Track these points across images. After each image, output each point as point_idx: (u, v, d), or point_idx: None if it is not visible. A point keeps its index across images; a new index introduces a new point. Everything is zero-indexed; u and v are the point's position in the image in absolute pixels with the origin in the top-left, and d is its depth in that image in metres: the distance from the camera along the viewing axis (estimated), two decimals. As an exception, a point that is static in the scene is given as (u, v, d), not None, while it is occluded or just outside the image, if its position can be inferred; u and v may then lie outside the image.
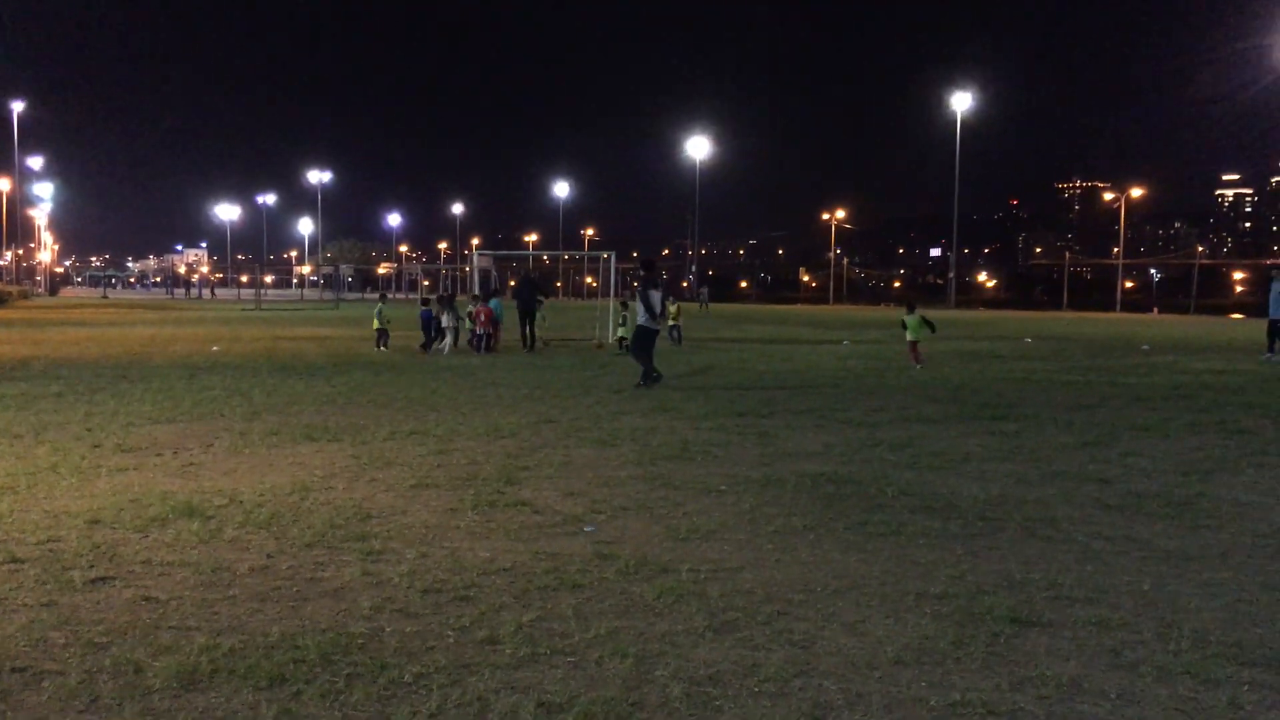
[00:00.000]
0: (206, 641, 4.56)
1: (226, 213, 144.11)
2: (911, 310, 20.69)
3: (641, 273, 16.93)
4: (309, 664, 4.33)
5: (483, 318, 22.57)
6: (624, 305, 24.73)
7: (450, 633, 4.73)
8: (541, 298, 24.83)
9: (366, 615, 4.95)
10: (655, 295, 15.65)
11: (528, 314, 23.77)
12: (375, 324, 23.77)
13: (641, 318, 15.70)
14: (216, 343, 24.84)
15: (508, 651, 4.50)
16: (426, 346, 22.94)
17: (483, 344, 22.35)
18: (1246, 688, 4.19)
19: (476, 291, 28.33)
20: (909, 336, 20.06)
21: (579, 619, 4.92)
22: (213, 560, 5.84)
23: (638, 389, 14.92)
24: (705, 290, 68.26)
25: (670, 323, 24.65)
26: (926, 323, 19.77)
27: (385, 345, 23.13)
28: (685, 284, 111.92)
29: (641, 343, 15.66)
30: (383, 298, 26.24)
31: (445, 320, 22.67)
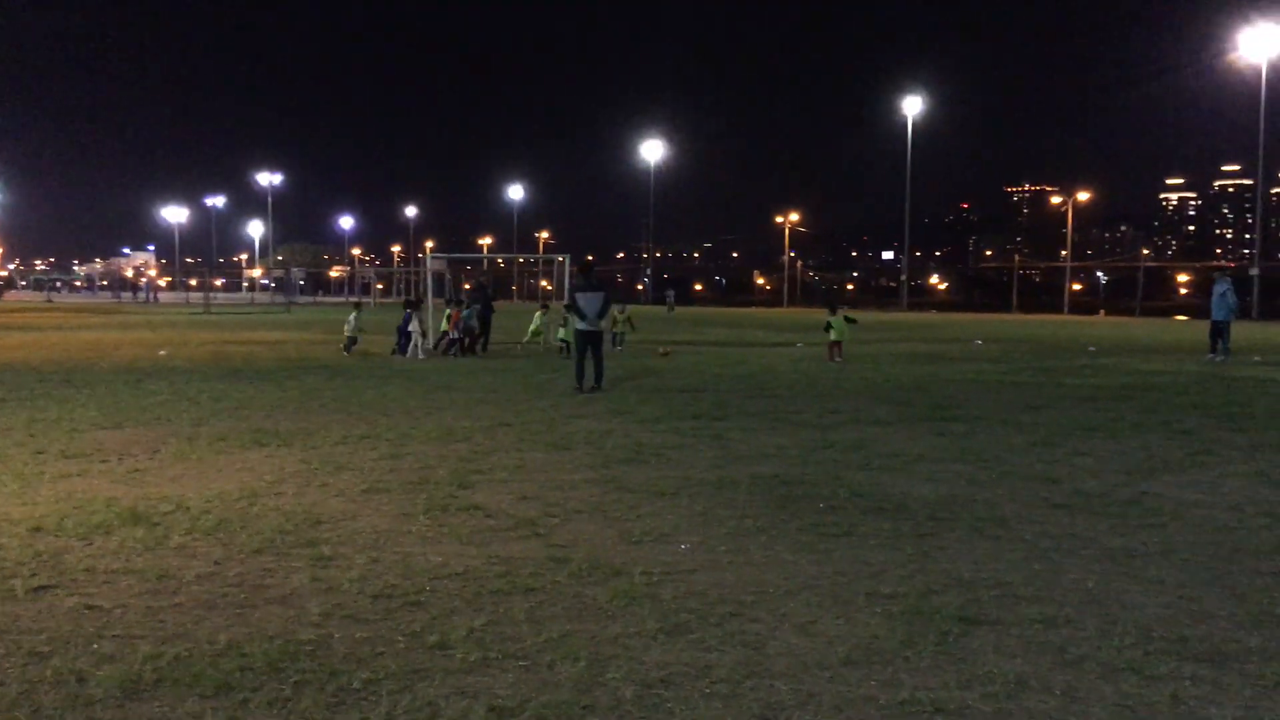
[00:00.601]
0: (151, 650, 4.49)
1: (174, 215, 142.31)
2: (834, 311, 22.16)
3: (577, 278, 16.61)
4: (256, 672, 4.28)
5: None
6: (566, 308, 24.51)
7: (401, 638, 4.70)
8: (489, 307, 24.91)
9: (315, 622, 4.90)
10: (582, 298, 15.34)
11: (484, 320, 24.13)
12: (347, 331, 23.48)
13: (578, 321, 15.52)
14: (164, 347, 24.48)
15: (459, 656, 4.48)
16: (402, 350, 22.69)
17: (454, 348, 22.32)
18: (1188, 682, 4.26)
19: (460, 296, 28.58)
20: (833, 337, 21.45)
21: (531, 623, 4.91)
22: (158, 567, 5.75)
23: (591, 392, 14.90)
24: (671, 294, 70.24)
25: (614, 329, 24.26)
26: (849, 320, 21.87)
27: (350, 351, 22.86)
28: (640, 287, 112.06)
29: (576, 345, 15.53)
30: (358, 305, 25.75)
31: (412, 325, 22.36)
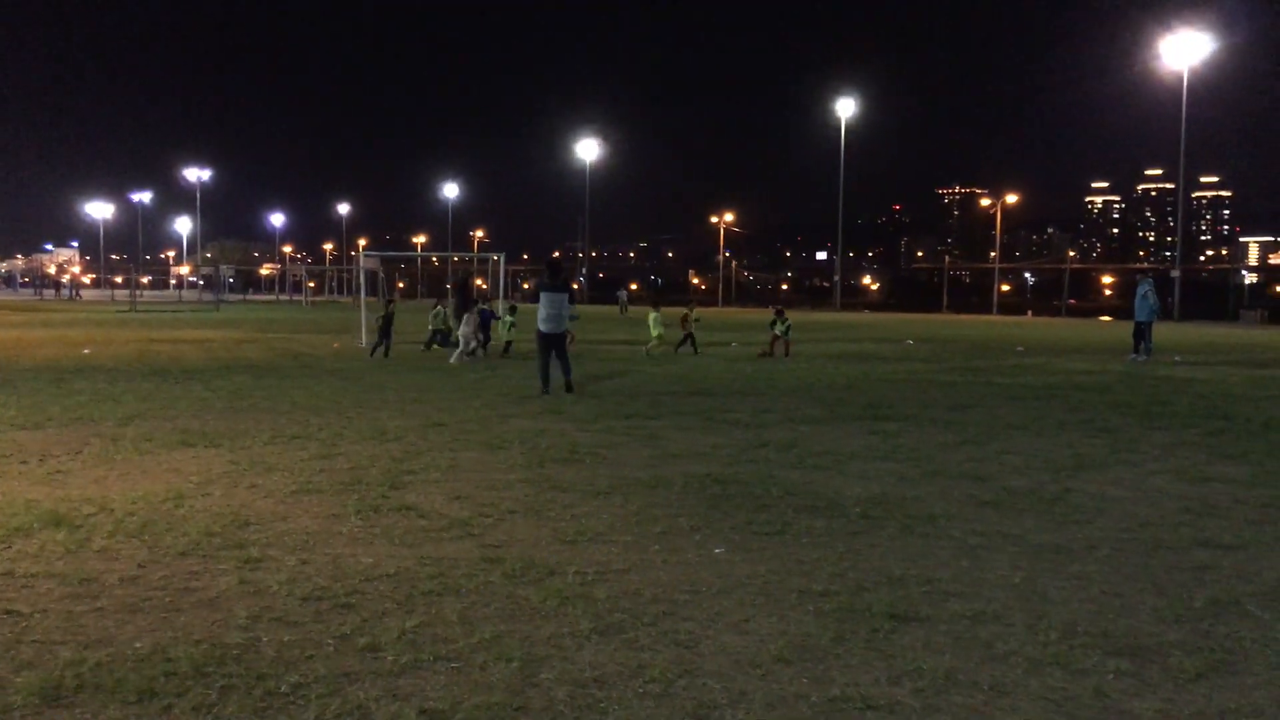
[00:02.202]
0: (72, 655, 4.39)
1: (99, 211, 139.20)
2: (781, 315, 23.64)
3: (543, 275, 15.65)
4: (181, 676, 4.19)
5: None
6: (512, 309, 24.29)
7: (330, 641, 4.63)
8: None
9: (243, 625, 4.81)
10: (545, 298, 14.84)
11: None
12: (432, 326, 23.81)
13: (540, 323, 14.81)
14: (88, 346, 23.94)
15: (390, 659, 4.43)
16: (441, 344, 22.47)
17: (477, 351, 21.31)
18: (1112, 676, 4.35)
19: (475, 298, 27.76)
20: (776, 331, 23.01)
21: (464, 624, 4.87)
22: (80, 571, 5.62)
23: (566, 394, 14.34)
24: (624, 294, 71.42)
25: (656, 333, 23.53)
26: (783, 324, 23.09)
27: (430, 348, 23.05)
28: (576, 285, 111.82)
29: (538, 347, 14.90)
30: (438, 303, 25.28)
31: (463, 327, 21.06)
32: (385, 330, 21.86)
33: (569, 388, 14.60)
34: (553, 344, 14.84)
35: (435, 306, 24.83)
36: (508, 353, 22.22)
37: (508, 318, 23.22)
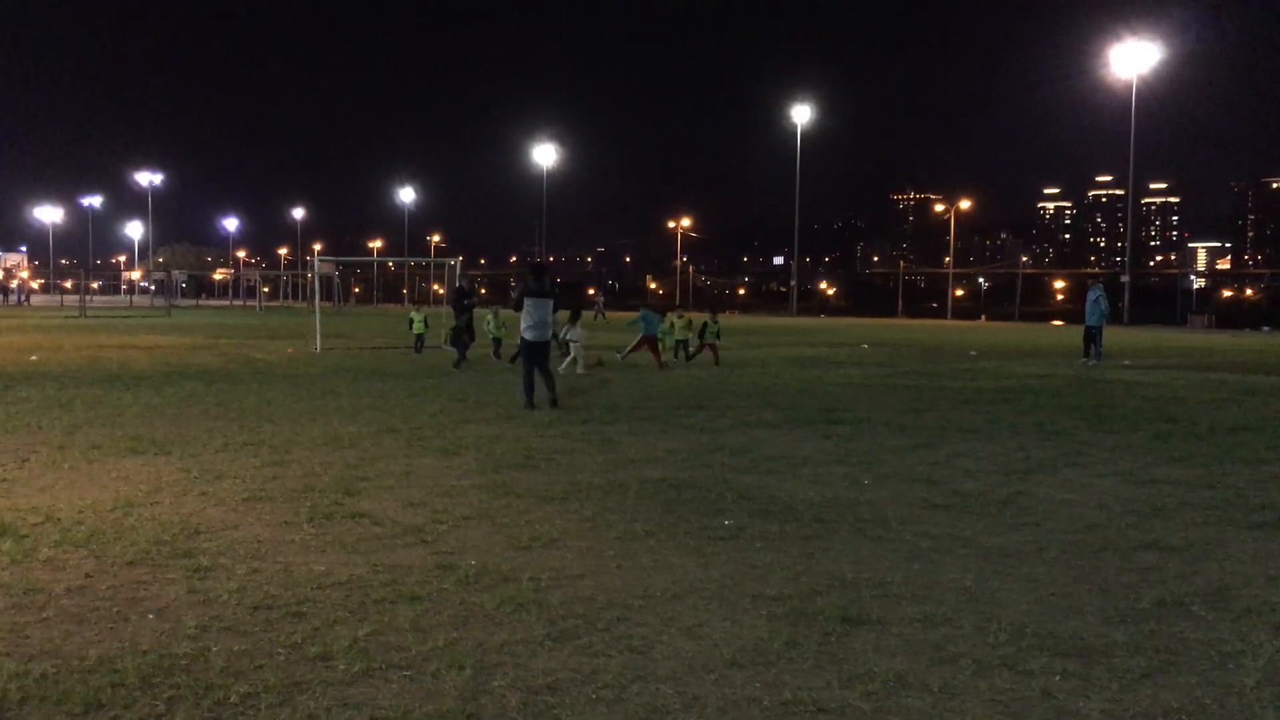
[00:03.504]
0: (17, 668, 4.31)
1: (48, 215, 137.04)
2: (714, 315, 23.31)
3: (528, 280, 14.27)
4: (128, 688, 4.14)
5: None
6: (495, 313, 23.13)
7: (281, 650, 4.59)
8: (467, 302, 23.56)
9: (192, 635, 4.76)
10: (530, 304, 13.71)
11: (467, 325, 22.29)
12: (489, 331, 22.40)
13: (524, 331, 13.78)
14: (35, 352, 23.54)
15: (341, 667, 4.40)
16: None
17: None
18: (1059, 677, 4.41)
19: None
20: (708, 339, 22.51)
21: (416, 631, 4.85)
22: (25, 581, 5.52)
23: (551, 409, 13.37)
24: (601, 300, 71.75)
25: (676, 338, 22.81)
26: (701, 327, 22.67)
27: (499, 355, 21.72)
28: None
29: (523, 358, 13.97)
30: (495, 310, 23.24)
31: (574, 333, 20.02)
32: (461, 337, 20.82)
33: (554, 403, 13.59)
34: (538, 354, 13.79)
35: (490, 311, 22.97)
36: (495, 354, 21.99)
37: (491, 320, 22.69)
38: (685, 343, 23.07)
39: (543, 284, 14.08)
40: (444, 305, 24.69)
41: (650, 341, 21.43)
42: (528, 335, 13.76)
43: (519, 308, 13.90)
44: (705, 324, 22.80)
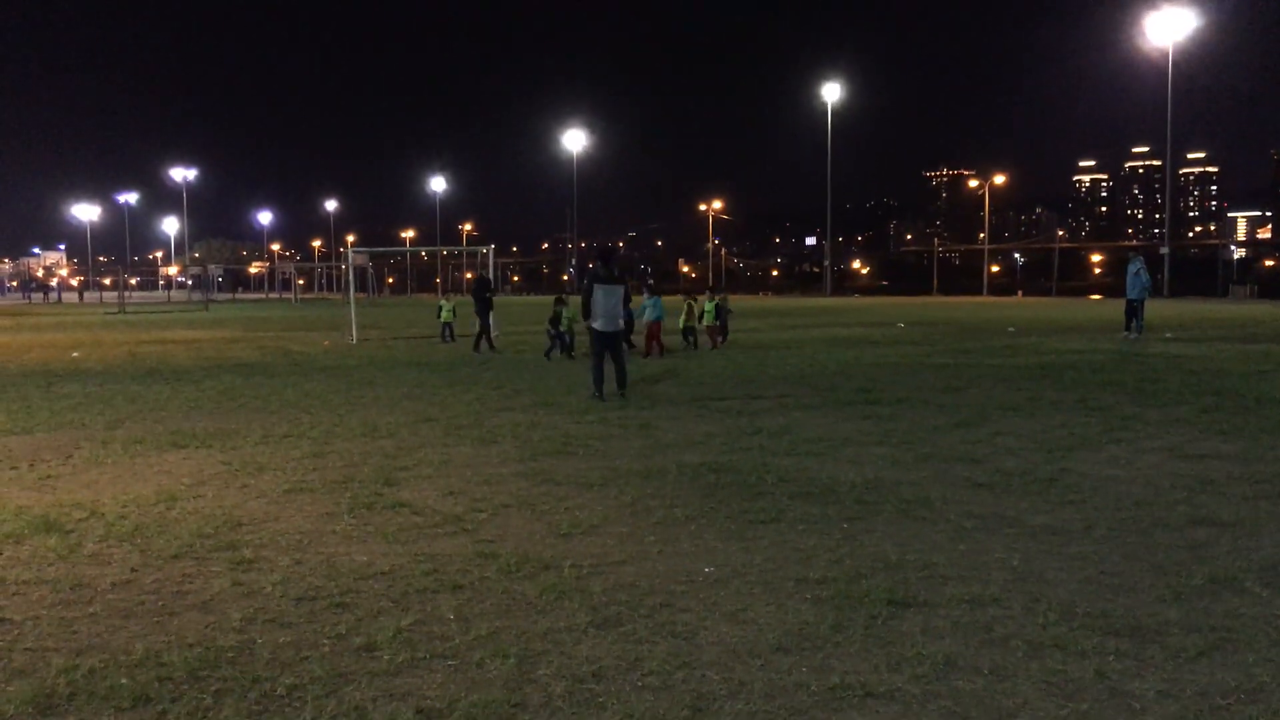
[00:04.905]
0: (65, 663, 4.34)
1: (85, 213, 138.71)
2: (713, 296, 22.45)
3: (592, 264, 13.63)
4: (175, 681, 4.15)
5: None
6: (561, 302, 20.69)
7: (326, 641, 4.59)
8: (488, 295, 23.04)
9: (237, 627, 4.77)
10: (601, 291, 13.07)
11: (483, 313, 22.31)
12: (562, 325, 19.96)
13: (596, 320, 13.09)
14: (77, 349, 23.82)
15: (386, 658, 4.39)
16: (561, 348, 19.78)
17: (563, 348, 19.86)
18: (1112, 657, 4.33)
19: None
20: (706, 322, 21.78)
21: (459, 621, 4.84)
22: (72, 577, 5.57)
23: (619, 397, 12.88)
24: (650, 283, 72.12)
25: (686, 324, 21.97)
26: (719, 308, 21.93)
27: (567, 354, 19.71)
28: (566, 277, 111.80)
29: (593, 347, 13.20)
30: (560, 299, 20.64)
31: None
32: (559, 330, 19.76)
33: (622, 385, 13.06)
34: (611, 344, 13.15)
35: (557, 304, 20.62)
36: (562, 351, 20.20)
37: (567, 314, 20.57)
38: (693, 331, 22.07)
39: (612, 270, 13.44)
40: (466, 294, 24.58)
41: (654, 328, 20.03)
42: (597, 325, 13.09)
43: (589, 296, 13.16)
44: (717, 304, 21.98)
